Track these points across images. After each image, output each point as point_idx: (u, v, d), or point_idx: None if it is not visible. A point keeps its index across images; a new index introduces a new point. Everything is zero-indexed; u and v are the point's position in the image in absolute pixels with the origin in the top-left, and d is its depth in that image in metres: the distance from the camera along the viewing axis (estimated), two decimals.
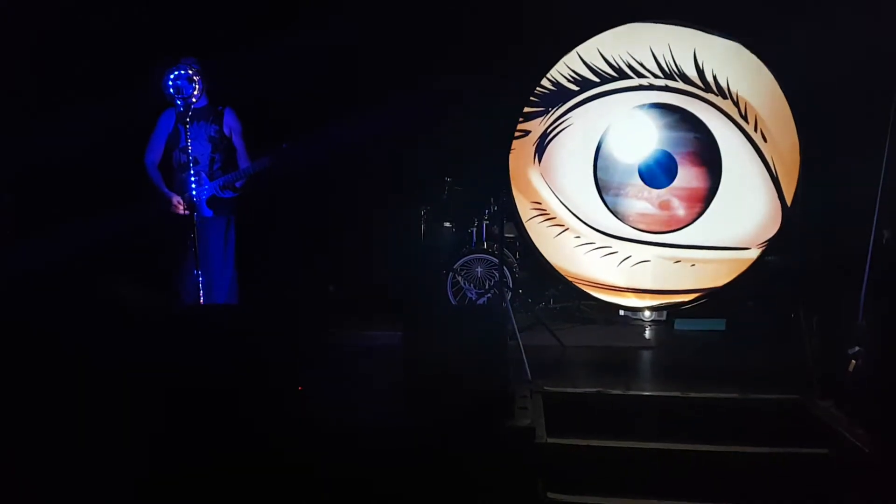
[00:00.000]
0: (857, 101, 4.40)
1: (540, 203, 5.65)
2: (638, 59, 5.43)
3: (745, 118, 5.35)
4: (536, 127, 5.57)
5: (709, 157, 5.43)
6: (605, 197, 5.59)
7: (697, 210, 5.49)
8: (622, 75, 5.47)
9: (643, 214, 5.56)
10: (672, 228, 5.53)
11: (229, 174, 4.59)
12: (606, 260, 5.59)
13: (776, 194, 5.34)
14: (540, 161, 5.63)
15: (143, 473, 3.27)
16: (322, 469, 3.27)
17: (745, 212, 5.42)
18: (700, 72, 5.35)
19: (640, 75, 5.45)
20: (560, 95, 5.54)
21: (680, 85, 5.42)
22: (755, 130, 5.35)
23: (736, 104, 5.34)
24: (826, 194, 4.82)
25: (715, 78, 5.35)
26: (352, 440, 3.32)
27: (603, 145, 5.56)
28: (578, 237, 5.60)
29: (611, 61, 5.46)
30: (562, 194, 5.62)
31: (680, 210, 5.51)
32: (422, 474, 3.25)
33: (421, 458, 3.27)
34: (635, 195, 5.58)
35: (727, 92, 5.34)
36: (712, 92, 5.37)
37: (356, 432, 3.35)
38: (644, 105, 5.47)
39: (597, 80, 5.52)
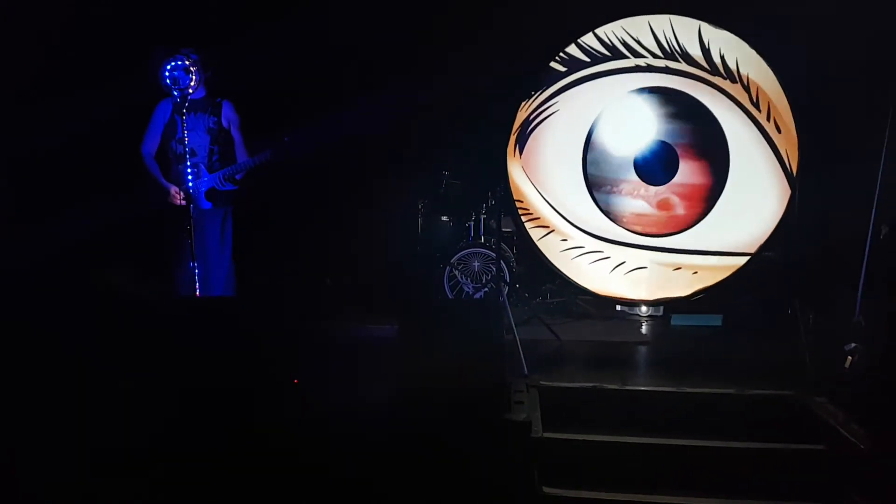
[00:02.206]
0: (856, 96, 4.39)
1: (522, 201, 5.12)
2: (634, 36, 4.80)
3: (756, 105, 4.74)
4: (518, 114, 5.02)
5: (715, 149, 4.86)
6: (595, 195, 5.01)
7: (701, 210, 4.96)
8: (616, 54, 4.83)
9: (639, 215, 5.02)
10: (671, 231, 5.03)
11: (230, 167, 4.57)
12: (597, 266, 5.14)
13: (791, 192, 4.82)
14: (521, 153, 5.03)
15: (137, 468, 3.26)
16: (317, 461, 3.27)
17: (755, 212, 4.88)
18: (706, 51, 4.72)
19: (636, 54, 4.83)
20: (544, 77, 4.96)
21: (682, 66, 4.77)
22: (768, 119, 4.74)
23: (746, 89, 4.72)
24: (824, 189, 4.82)
25: (723, 58, 4.71)
26: (347, 433, 3.31)
27: (594, 135, 4.97)
28: (565, 240, 5.13)
29: (603, 38, 4.83)
30: (546, 191, 5.06)
31: (681, 210, 4.98)
32: (417, 468, 3.24)
33: (417, 451, 3.26)
34: (630, 193, 5.02)
35: (736, 75, 4.71)
36: (719, 74, 4.73)
37: (351, 425, 3.34)
38: (641, 89, 4.87)
39: (587, 59, 4.88)
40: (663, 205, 5.06)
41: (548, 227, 5.15)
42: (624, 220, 5.10)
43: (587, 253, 5.14)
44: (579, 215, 5.12)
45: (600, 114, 4.99)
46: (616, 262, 5.16)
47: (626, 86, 4.94)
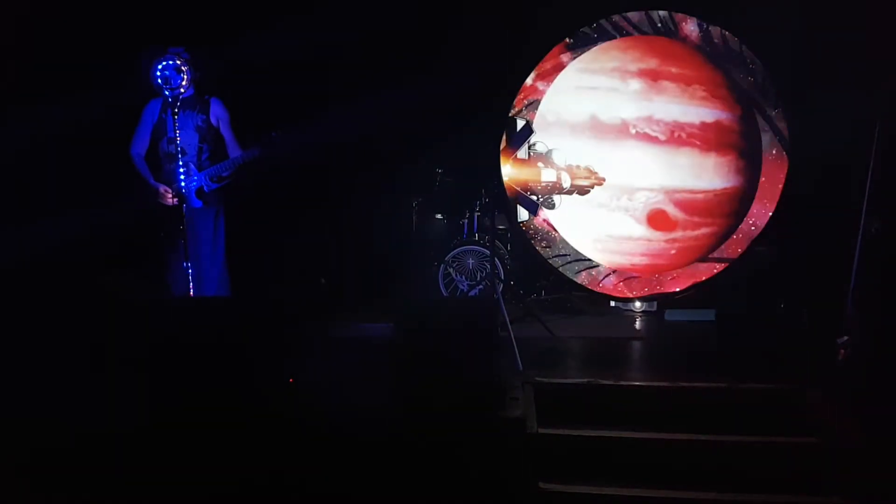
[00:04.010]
0: (846, 90, 4.41)
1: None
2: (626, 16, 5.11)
3: None
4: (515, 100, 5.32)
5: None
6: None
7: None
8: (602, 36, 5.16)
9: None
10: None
11: (218, 164, 4.55)
12: (585, 274, 5.32)
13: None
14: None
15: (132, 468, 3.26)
16: (313, 460, 3.27)
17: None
18: None
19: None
20: None
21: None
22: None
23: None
24: (816, 182, 4.83)
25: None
26: (343, 432, 3.32)
27: None
28: (549, 247, 5.41)
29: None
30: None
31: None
32: (413, 465, 3.25)
33: (412, 449, 3.27)
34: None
35: None
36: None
37: (347, 423, 3.34)
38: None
39: None
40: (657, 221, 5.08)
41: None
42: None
43: (573, 262, 5.17)
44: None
45: None
46: (606, 271, 5.19)
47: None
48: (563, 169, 5.37)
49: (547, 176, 5.40)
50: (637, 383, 3.98)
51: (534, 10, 5.25)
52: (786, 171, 5.11)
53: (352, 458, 3.26)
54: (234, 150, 4.63)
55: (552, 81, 5.39)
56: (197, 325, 3.67)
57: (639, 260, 5.27)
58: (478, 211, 5.80)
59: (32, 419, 3.32)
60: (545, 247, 5.30)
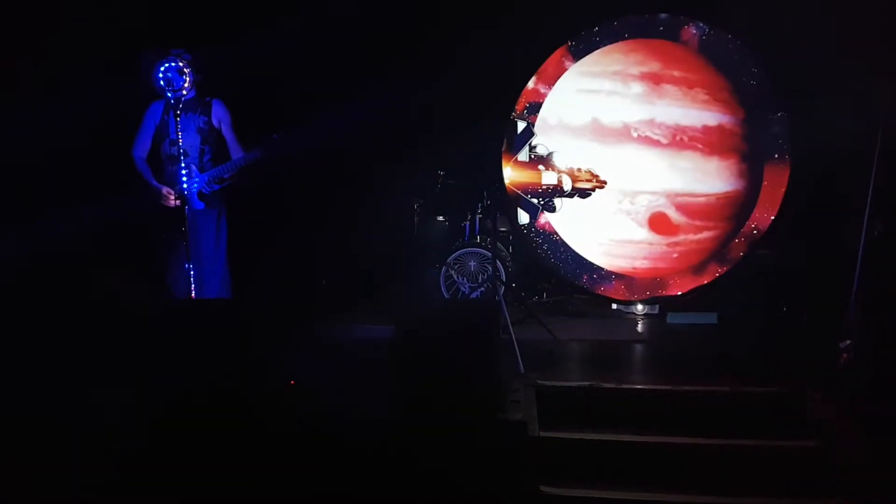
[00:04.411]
0: (848, 93, 4.41)
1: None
2: None
3: None
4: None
5: None
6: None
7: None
8: None
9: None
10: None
11: (220, 166, 4.55)
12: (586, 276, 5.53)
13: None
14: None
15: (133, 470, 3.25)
16: (312, 463, 3.27)
17: None
18: None
19: None
20: None
21: None
22: None
23: None
24: (818, 185, 4.83)
25: None
26: (343, 434, 3.31)
27: None
28: None
29: None
30: None
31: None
32: (414, 467, 3.24)
33: (412, 450, 3.26)
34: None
35: None
36: None
37: (348, 425, 3.34)
38: None
39: None
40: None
41: None
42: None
43: (574, 264, 5.33)
44: None
45: None
46: (607, 274, 5.33)
47: None
48: (564, 172, 5.38)
49: (548, 179, 5.44)
50: (639, 386, 3.97)
51: (536, 13, 5.25)
52: (788, 174, 5.14)
53: (352, 459, 3.25)
54: (235, 152, 4.63)
55: (554, 84, 5.41)
56: (197, 325, 3.67)
57: (640, 263, 5.29)
58: (479, 213, 5.80)
59: (32, 419, 3.32)
60: (546, 249, 5.30)
